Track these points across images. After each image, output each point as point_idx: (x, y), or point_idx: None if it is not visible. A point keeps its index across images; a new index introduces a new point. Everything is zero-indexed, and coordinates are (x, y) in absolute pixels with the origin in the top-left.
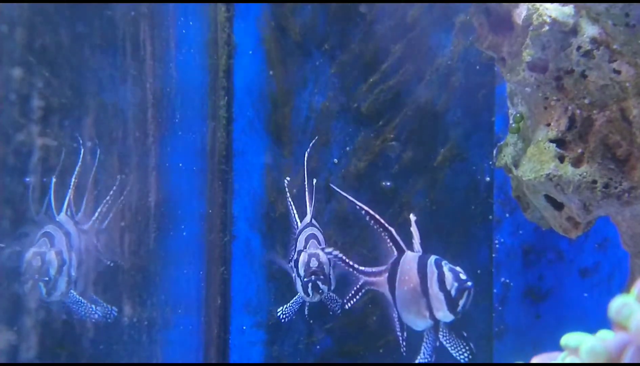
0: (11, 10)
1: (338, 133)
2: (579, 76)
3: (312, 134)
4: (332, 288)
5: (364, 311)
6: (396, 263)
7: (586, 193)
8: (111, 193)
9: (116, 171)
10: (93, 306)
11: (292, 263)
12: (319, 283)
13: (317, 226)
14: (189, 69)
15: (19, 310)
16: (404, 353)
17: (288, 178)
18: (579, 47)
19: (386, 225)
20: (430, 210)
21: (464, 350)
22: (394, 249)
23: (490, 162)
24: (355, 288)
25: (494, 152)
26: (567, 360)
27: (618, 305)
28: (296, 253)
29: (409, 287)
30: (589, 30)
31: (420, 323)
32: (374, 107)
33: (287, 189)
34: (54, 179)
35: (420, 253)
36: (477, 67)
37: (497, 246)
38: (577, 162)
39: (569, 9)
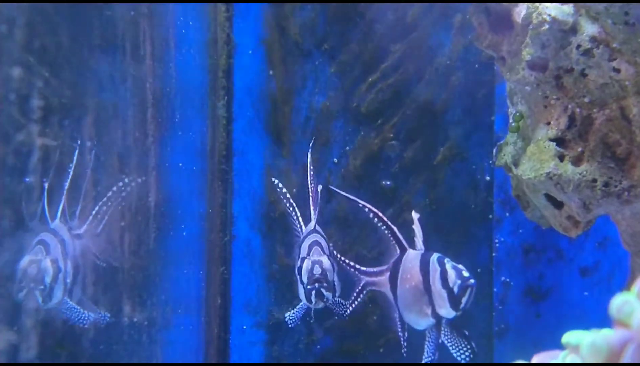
0: (11, 10)
1: (338, 133)
2: (579, 75)
3: (312, 133)
4: (337, 294)
5: (364, 311)
6: (398, 261)
7: (586, 192)
8: (109, 194)
9: (116, 172)
10: (86, 312)
11: (296, 270)
12: (323, 290)
13: (322, 232)
14: (188, 69)
15: (19, 310)
16: (405, 354)
17: (276, 181)
18: (578, 46)
19: (389, 223)
20: (430, 209)
21: (465, 350)
22: (397, 247)
23: (490, 162)
24: (357, 290)
25: (494, 151)
26: (568, 359)
27: (619, 302)
28: (300, 259)
29: (411, 285)
30: (589, 28)
31: (422, 321)
32: (374, 106)
33: (285, 192)
34: (46, 185)
35: (423, 251)
36: (477, 66)
37: (497, 245)
38: (577, 161)
39: (568, 7)
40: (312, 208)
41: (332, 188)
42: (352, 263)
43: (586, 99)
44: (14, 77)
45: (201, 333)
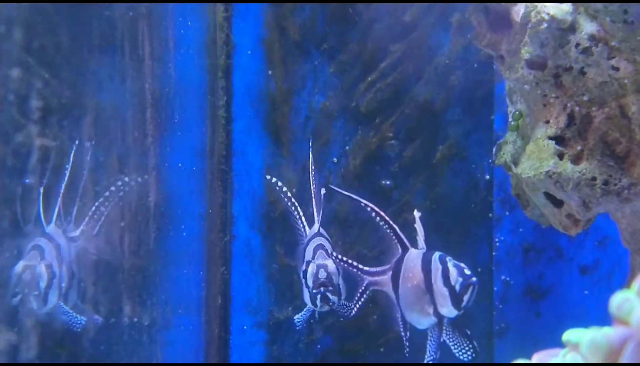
0: (10, 10)
1: (337, 132)
2: (578, 73)
3: (312, 133)
4: (343, 297)
5: (364, 311)
6: (400, 260)
7: (586, 190)
8: (106, 194)
9: (115, 172)
10: (79, 316)
11: (301, 274)
12: (328, 294)
13: (326, 235)
14: (187, 69)
15: (16, 313)
16: (407, 354)
17: (275, 179)
18: (577, 44)
19: (391, 222)
20: (430, 209)
21: (467, 349)
22: (399, 246)
23: (490, 161)
24: (360, 290)
25: (494, 150)
26: (568, 357)
27: (619, 300)
28: (305, 263)
29: (413, 284)
30: (587, 27)
31: (424, 320)
32: (374, 106)
33: (285, 191)
34: (42, 189)
35: (425, 250)
36: (476, 65)
37: (497, 244)
38: (576, 160)
39: (567, 6)
40: (315, 210)
41: (334, 188)
42: (354, 263)
43: (585, 98)
44: (13, 77)
45: (201, 333)
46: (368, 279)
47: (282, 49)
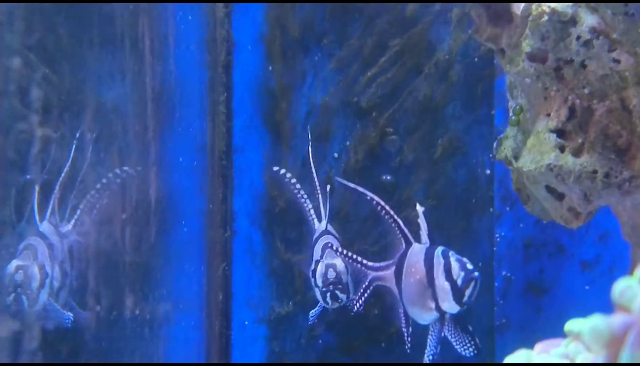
0: (10, 7)
1: (338, 128)
2: (579, 66)
3: (312, 129)
4: (352, 294)
5: (366, 306)
6: (403, 255)
7: (587, 183)
8: (98, 186)
9: (116, 167)
10: (67, 313)
11: (310, 273)
12: (337, 292)
13: (334, 233)
14: (188, 65)
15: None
16: (409, 350)
17: (283, 170)
18: (578, 37)
19: (395, 216)
20: (430, 204)
21: (469, 345)
22: (403, 241)
23: (491, 155)
24: (364, 286)
25: (494, 145)
26: (570, 346)
27: (621, 287)
28: (313, 263)
29: (415, 279)
30: (588, 19)
31: (425, 315)
32: (374, 101)
33: (294, 182)
34: (37, 186)
35: (428, 245)
36: (476, 60)
37: (497, 239)
38: (577, 152)
39: None
40: (322, 207)
41: (339, 179)
42: (359, 259)
43: (586, 91)
44: (12, 72)
45: (203, 329)
46: (372, 274)
47: (282, 45)
